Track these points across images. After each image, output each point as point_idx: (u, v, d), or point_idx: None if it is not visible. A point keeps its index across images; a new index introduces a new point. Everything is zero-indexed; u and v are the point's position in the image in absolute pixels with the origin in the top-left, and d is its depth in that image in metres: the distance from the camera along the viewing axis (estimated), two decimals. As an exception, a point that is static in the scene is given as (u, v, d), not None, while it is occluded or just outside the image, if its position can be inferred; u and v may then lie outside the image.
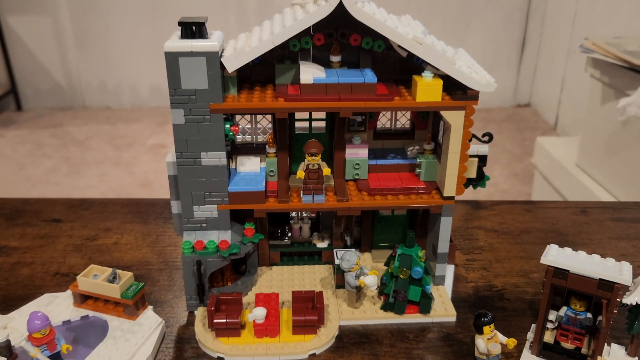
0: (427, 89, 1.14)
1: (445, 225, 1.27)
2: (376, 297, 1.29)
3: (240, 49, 1.11)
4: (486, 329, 1.07)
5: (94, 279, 1.21)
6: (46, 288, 1.34)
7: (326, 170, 1.20)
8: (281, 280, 1.35)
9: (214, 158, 1.17)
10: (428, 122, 1.34)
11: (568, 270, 1.05)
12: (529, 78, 6.05)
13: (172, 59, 1.08)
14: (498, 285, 1.36)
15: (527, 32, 5.95)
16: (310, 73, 1.13)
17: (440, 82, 1.14)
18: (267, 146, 1.28)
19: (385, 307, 1.24)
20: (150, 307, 1.24)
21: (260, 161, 1.29)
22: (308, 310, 1.17)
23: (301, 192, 1.23)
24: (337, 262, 1.26)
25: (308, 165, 1.20)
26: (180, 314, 1.27)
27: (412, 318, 1.24)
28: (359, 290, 1.25)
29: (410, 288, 1.22)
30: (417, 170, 1.30)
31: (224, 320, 1.14)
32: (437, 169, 1.28)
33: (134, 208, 1.71)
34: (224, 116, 1.15)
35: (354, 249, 1.27)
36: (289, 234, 1.39)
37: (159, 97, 5.56)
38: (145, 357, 1.12)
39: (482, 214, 1.68)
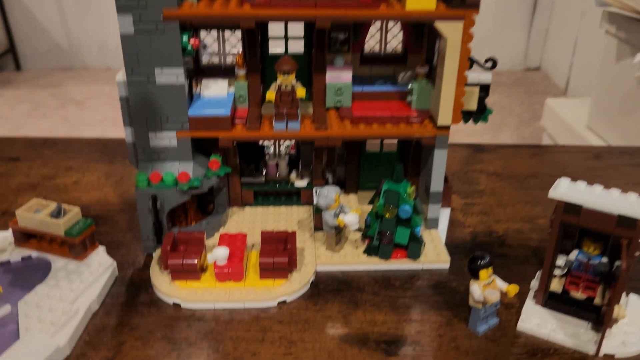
0: None
1: (440, 160, 1.10)
2: (359, 241, 1.13)
3: None
4: (483, 273, 0.91)
5: (36, 214, 1.06)
6: (-9, 228, 1.20)
7: (300, 91, 1.04)
8: (253, 222, 1.19)
9: (171, 75, 1.01)
10: (422, 44, 1.17)
11: (581, 205, 0.88)
12: (540, 41, 5.83)
13: None
14: (499, 231, 1.21)
15: (539, -9, 5.70)
16: None
17: None
18: (236, 68, 1.11)
19: (369, 251, 1.09)
20: (102, 248, 1.09)
21: (229, 85, 1.12)
22: (278, 252, 1.01)
23: (273, 119, 1.07)
24: (315, 200, 1.11)
25: (280, 85, 1.04)
26: (138, 257, 1.12)
27: (399, 264, 1.08)
28: (339, 231, 1.10)
29: (397, 229, 1.06)
30: (409, 98, 1.13)
31: (180, 262, 0.99)
32: (431, 96, 1.11)
33: (101, 147, 1.55)
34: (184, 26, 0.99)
35: (334, 185, 1.11)
36: (264, 171, 1.23)
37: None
38: (89, 301, 0.97)
39: (485, 158, 1.51)
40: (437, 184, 1.12)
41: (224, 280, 1.00)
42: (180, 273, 1.00)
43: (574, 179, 1.40)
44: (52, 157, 1.50)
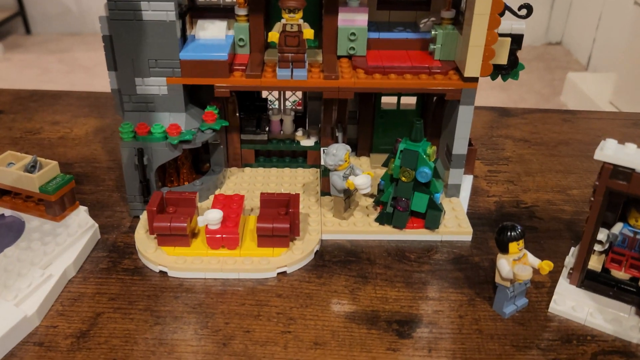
0: None
1: (465, 117, 0.97)
2: (371, 207, 1.01)
3: None
4: (513, 246, 0.79)
5: (8, 167, 0.95)
6: (-36, 183, 1.08)
7: (308, 32, 0.90)
8: (253, 184, 1.07)
9: (160, 11, 0.88)
10: (449, -14, 1.02)
11: (633, 169, 0.75)
12: (563, 14, 5.62)
13: None
14: (527, 202, 1.08)
15: (564, -39, 5.48)
16: None
17: None
18: (236, 7, 0.98)
19: (382, 219, 0.97)
20: (83, 208, 0.97)
21: (228, 27, 0.99)
22: (279, 216, 0.89)
23: (277, 64, 0.94)
24: (323, 161, 0.98)
25: (285, 25, 0.91)
26: (124, 219, 1.01)
27: (416, 234, 0.96)
28: (348, 195, 0.97)
29: (414, 195, 0.94)
30: (432, 47, 0.99)
31: (168, 224, 0.87)
32: (457, 45, 0.97)
33: (92, 101, 1.43)
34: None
35: (344, 144, 0.98)
36: (267, 128, 1.11)
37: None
38: (64, 267, 0.86)
39: (511, 122, 1.38)
40: (460, 146, 0.99)
41: (216, 247, 0.89)
42: (167, 237, 0.88)
43: (612, 146, 1.27)
44: (38, 111, 1.38)
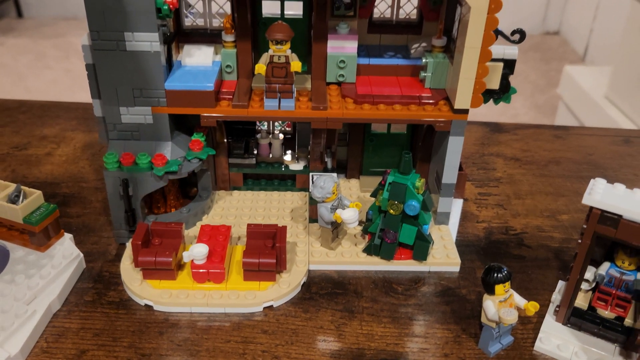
0: None
1: (454, 148, 0.96)
2: (359, 236, 1.00)
3: None
4: (499, 288, 0.79)
5: (-8, 196, 0.93)
6: (-51, 205, 1.07)
7: (295, 65, 0.89)
8: (241, 209, 1.06)
9: (144, 42, 0.86)
10: (440, 11, 1.01)
11: (621, 216, 0.75)
12: (561, 3, 5.58)
13: None
14: (516, 228, 1.07)
15: (563, -51, 5.43)
16: None
17: None
18: (223, 33, 0.96)
19: (369, 250, 0.96)
20: (68, 236, 0.97)
21: (215, 53, 0.98)
22: (265, 250, 0.89)
23: (264, 94, 0.93)
24: (310, 189, 0.97)
25: (272, 57, 0.89)
26: (110, 246, 1.00)
27: (403, 265, 0.96)
28: (336, 226, 0.97)
29: (402, 227, 0.93)
30: (422, 74, 0.98)
31: (153, 259, 0.86)
32: (448, 73, 0.96)
33: (80, 113, 1.42)
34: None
35: (333, 174, 0.97)
36: (255, 151, 1.10)
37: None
38: (49, 301, 0.86)
39: (502, 139, 1.37)
40: (450, 175, 0.99)
41: (202, 281, 0.88)
42: (152, 271, 0.88)
43: (601, 166, 1.27)
44: (27, 123, 1.37)
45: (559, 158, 1.30)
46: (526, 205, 1.14)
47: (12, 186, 0.94)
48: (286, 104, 0.92)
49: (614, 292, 0.83)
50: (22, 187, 0.94)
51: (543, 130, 1.42)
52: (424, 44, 1.02)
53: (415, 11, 1.05)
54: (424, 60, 0.97)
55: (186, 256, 0.87)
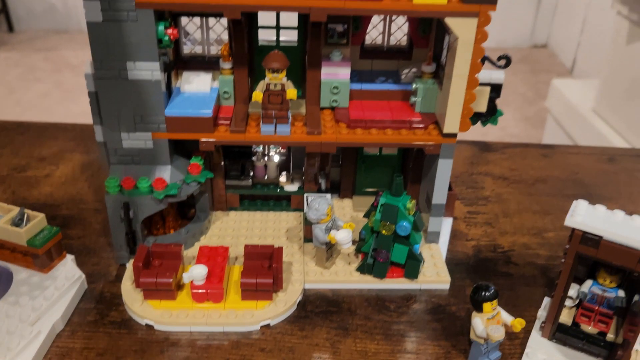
0: None
1: (444, 170, 1.00)
2: (352, 256, 1.04)
3: None
4: (487, 306, 0.82)
5: (-4, 220, 0.96)
6: (-49, 227, 1.10)
7: (291, 93, 0.93)
8: (238, 229, 1.09)
9: (145, 70, 0.89)
10: (430, 38, 1.05)
11: (601, 237, 0.79)
12: (548, 17, 5.67)
13: None
14: (504, 246, 1.11)
15: (549, -36, 5.53)
16: None
17: None
18: (220, 60, 1.00)
19: (363, 269, 1.00)
20: (70, 258, 0.99)
21: (213, 79, 1.01)
22: (262, 270, 0.92)
23: (261, 120, 0.96)
24: (305, 210, 1.01)
25: (269, 85, 0.93)
26: (110, 267, 1.03)
27: (395, 283, 0.99)
28: (330, 247, 1.00)
29: (394, 247, 0.97)
30: (413, 99, 1.02)
31: (154, 280, 0.89)
32: (437, 98, 1.00)
33: (78, 134, 1.44)
34: (160, 15, 0.88)
35: (326, 195, 1.01)
36: (252, 173, 1.13)
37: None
38: (53, 322, 0.88)
39: (491, 158, 1.41)
40: (439, 196, 1.02)
41: (201, 301, 0.91)
42: (153, 292, 0.91)
43: (586, 184, 1.32)
44: (25, 145, 1.39)
45: (546, 176, 1.34)
46: (513, 224, 1.18)
47: (16, 210, 0.97)
48: (282, 129, 0.96)
49: (596, 308, 0.87)
50: (26, 210, 0.97)
51: (530, 149, 1.46)
52: (414, 70, 1.06)
53: (405, 38, 1.09)
54: (414, 86, 1.01)
55: (186, 277, 0.90)
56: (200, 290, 0.90)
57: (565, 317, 0.89)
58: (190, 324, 0.89)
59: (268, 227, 1.10)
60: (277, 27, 1.03)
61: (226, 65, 1.00)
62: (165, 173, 0.97)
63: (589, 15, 4.85)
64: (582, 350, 0.87)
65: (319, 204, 0.95)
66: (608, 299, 0.86)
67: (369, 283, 0.99)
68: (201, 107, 0.95)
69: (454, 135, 0.97)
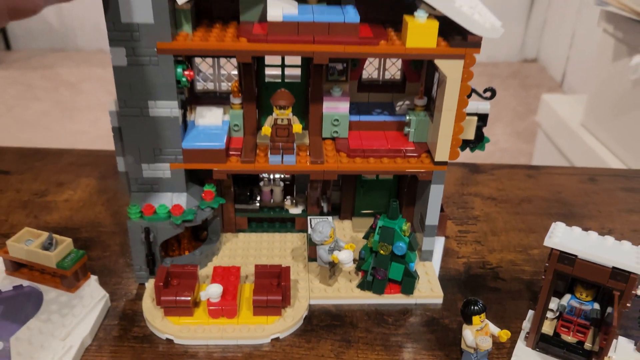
0: (420, 32, 0.95)
1: (436, 195, 1.10)
2: (353, 273, 1.13)
3: None
4: (476, 319, 0.91)
5: (27, 244, 1.05)
6: (-19, 250, 1.18)
7: (297, 127, 1.03)
8: (247, 249, 1.18)
9: (164, 108, 0.99)
10: (422, 73, 1.15)
11: (576, 256, 0.88)
12: (538, 32, 5.80)
13: None
14: (492, 262, 1.21)
15: (538, -18, 5.66)
16: (279, 8, 0.94)
17: (435, 24, 0.95)
18: (231, 96, 1.09)
19: (363, 286, 1.09)
20: (94, 278, 1.08)
21: (224, 113, 1.11)
22: (272, 288, 1.01)
23: (268, 151, 1.06)
24: (309, 232, 1.10)
25: (276, 119, 1.02)
26: (130, 286, 1.11)
27: (393, 298, 1.09)
28: (333, 265, 1.09)
29: (391, 265, 1.06)
30: (406, 129, 1.12)
31: (173, 298, 0.98)
32: (429, 129, 1.10)
33: (93, 159, 1.54)
34: (178, 58, 0.97)
35: (328, 218, 1.10)
36: (259, 198, 1.22)
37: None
38: (82, 337, 0.97)
39: (480, 179, 1.51)
40: (432, 218, 1.12)
41: (217, 317, 1.00)
42: (173, 309, 1.00)
43: (569, 203, 1.41)
44: (43, 170, 1.48)
45: (531, 196, 1.44)
46: (501, 241, 1.27)
47: (45, 235, 1.06)
48: (288, 159, 1.05)
49: (575, 320, 0.96)
50: (54, 235, 1.06)
51: (517, 170, 1.56)
52: (407, 102, 1.16)
53: (398, 73, 1.19)
54: (407, 118, 1.11)
55: (203, 295, 0.99)
56: (216, 307, 0.99)
57: (547, 328, 0.99)
58: (207, 337, 0.98)
59: (275, 247, 1.19)
60: (282, 66, 1.12)
61: (236, 100, 1.09)
62: (182, 200, 1.06)
63: (578, 30, 4.97)
64: (563, 358, 0.97)
65: (322, 227, 1.04)
66: (585, 311, 0.95)
67: (369, 298, 1.08)
68: (214, 140, 1.04)
69: (445, 163, 1.07)
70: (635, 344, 0.99)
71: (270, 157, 1.05)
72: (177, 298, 0.98)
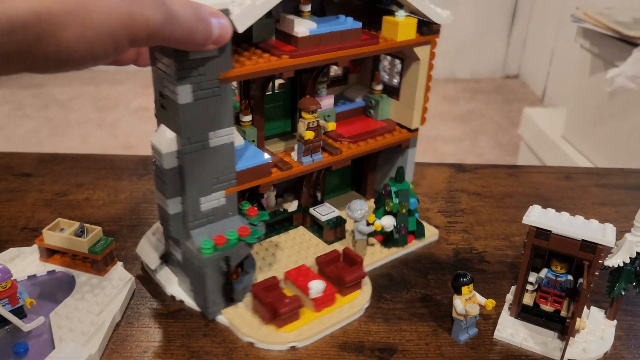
0: (406, 28, 1.15)
1: (412, 155, 1.33)
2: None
3: (249, 5, 0.93)
4: (464, 289, 1.04)
5: (61, 232, 1.16)
6: (12, 242, 1.29)
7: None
8: (274, 256, 1.25)
9: (224, 136, 0.99)
10: (364, 66, 1.36)
11: (550, 231, 1.02)
12: (519, 49, 6.00)
13: None
14: (479, 248, 1.34)
15: (517, 1, 5.87)
16: (303, 25, 1.06)
17: (414, 20, 1.16)
18: (240, 114, 1.16)
19: (390, 244, 1.27)
20: (120, 263, 1.20)
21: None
22: (347, 268, 1.14)
23: (298, 154, 1.17)
24: (322, 218, 1.27)
25: (309, 123, 1.14)
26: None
27: (412, 246, 1.30)
28: (371, 236, 1.27)
29: (408, 220, 1.26)
30: (371, 112, 1.32)
31: (288, 309, 1.04)
32: (391, 107, 1.31)
33: (108, 164, 1.65)
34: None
35: (360, 199, 1.24)
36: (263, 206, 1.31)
37: (144, 59, 5.43)
38: (113, 313, 1.08)
39: (465, 177, 1.65)
40: (409, 173, 1.36)
41: (321, 309, 1.09)
42: (286, 319, 1.06)
43: (546, 198, 1.55)
44: (62, 174, 1.59)
45: (512, 192, 1.58)
46: (486, 230, 1.41)
47: (77, 224, 1.17)
48: (316, 157, 1.18)
49: (551, 291, 1.09)
50: (85, 224, 1.17)
51: (499, 169, 1.71)
52: (361, 91, 1.36)
53: (340, 70, 1.38)
54: (372, 102, 1.30)
55: (313, 293, 1.07)
56: (320, 301, 1.08)
57: (528, 300, 1.12)
58: (321, 330, 1.06)
59: (288, 246, 1.28)
60: (274, 79, 1.23)
61: (246, 118, 1.16)
62: (237, 222, 1.08)
63: (557, 47, 5.16)
64: (542, 325, 1.09)
65: (359, 205, 1.20)
66: (560, 283, 1.08)
67: (394, 255, 1.28)
68: (258, 157, 1.10)
69: (417, 130, 1.29)
70: (605, 313, 1.12)
71: (304, 159, 1.17)
72: (291, 307, 1.04)
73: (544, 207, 1.08)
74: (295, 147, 1.19)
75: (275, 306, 1.04)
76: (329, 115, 1.26)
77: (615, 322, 1.11)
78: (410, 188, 1.25)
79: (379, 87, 1.32)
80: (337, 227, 1.29)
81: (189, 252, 1.06)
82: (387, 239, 1.27)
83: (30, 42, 0.59)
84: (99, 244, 1.15)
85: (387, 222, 1.22)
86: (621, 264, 1.04)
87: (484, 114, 5.29)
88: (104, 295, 1.11)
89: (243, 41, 1.09)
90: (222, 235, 1.05)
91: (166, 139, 0.98)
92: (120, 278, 1.15)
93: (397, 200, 1.23)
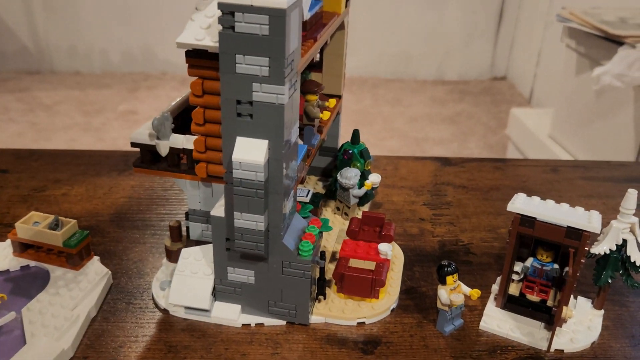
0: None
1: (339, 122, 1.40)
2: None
3: None
4: (449, 279, 1.02)
5: (35, 226, 1.13)
6: (-14, 238, 1.26)
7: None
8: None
9: (295, 133, 0.95)
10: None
11: (535, 218, 1.00)
12: (506, 51, 6.02)
13: (279, 17, 0.80)
14: (465, 240, 1.32)
15: (504, 3, 5.90)
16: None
17: None
18: None
19: (363, 200, 1.32)
20: (96, 258, 1.16)
21: None
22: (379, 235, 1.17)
23: (307, 137, 1.12)
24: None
25: (315, 103, 1.14)
26: (130, 266, 1.19)
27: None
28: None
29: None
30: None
31: (385, 276, 1.08)
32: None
33: (87, 160, 1.62)
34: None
35: (348, 167, 1.28)
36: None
37: (131, 63, 5.39)
38: (88, 308, 1.05)
39: (451, 171, 1.63)
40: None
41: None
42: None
43: (533, 191, 1.54)
44: (40, 170, 1.56)
45: (499, 185, 1.56)
46: (472, 223, 1.39)
47: (51, 217, 1.14)
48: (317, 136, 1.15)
49: (537, 280, 1.07)
50: (59, 217, 1.14)
51: (485, 163, 1.69)
52: None
53: None
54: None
55: (389, 255, 1.11)
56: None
57: (514, 290, 1.09)
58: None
59: None
60: None
61: None
62: (298, 218, 1.05)
63: (544, 48, 5.19)
64: (528, 315, 1.07)
65: (349, 172, 1.25)
66: (546, 272, 1.06)
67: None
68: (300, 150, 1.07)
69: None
70: (592, 302, 1.10)
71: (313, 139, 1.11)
72: (385, 273, 1.08)
73: (525, 197, 1.05)
74: (304, 131, 1.11)
75: (376, 277, 1.06)
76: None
77: (602, 311, 1.09)
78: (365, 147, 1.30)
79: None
80: (319, 204, 1.30)
81: (284, 264, 0.99)
82: (363, 198, 1.31)
83: None
84: (74, 237, 1.12)
85: (375, 178, 1.28)
86: (607, 252, 1.03)
87: (473, 116, 5.30)
88: (79, 290, 1.07)
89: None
90: (310, 233, 1.02)
91: (258, 150, 0.89)
92: (96, 272, 1.12)
93: (363, 160, 1.29)
